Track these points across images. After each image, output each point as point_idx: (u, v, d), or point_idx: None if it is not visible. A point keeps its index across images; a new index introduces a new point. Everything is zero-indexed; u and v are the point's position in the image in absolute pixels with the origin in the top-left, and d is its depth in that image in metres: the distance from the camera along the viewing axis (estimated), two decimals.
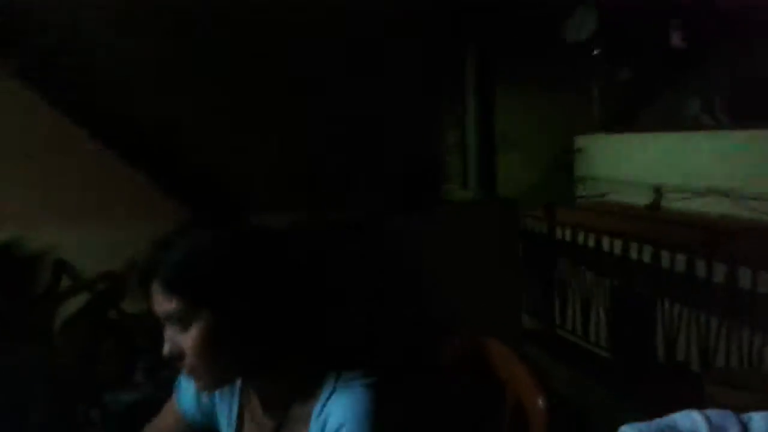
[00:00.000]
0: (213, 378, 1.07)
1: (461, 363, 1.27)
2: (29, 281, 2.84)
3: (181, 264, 1.02)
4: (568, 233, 4.17)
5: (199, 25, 3.26)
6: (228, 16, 3.24)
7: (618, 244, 3.77)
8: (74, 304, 2.80)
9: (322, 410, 1.04)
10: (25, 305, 2.74)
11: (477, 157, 4.29)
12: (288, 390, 1.10)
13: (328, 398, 1.05)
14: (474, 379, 1.22)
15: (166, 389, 2.11)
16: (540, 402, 1.02)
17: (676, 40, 5.09)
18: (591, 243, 3.96)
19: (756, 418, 0.91)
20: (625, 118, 5.50)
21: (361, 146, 3.80)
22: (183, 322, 1.02)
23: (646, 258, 3.55)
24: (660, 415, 0.96)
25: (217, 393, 1.22)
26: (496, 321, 3.20)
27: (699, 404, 0.95)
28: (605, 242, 3.88)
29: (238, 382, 1.19)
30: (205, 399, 1.25)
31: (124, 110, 3.31)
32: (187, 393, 1.26)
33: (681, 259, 3.35)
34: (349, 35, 3.58)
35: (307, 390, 1.08)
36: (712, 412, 0.91)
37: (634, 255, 3.64)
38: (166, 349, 1.04)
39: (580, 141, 5.49)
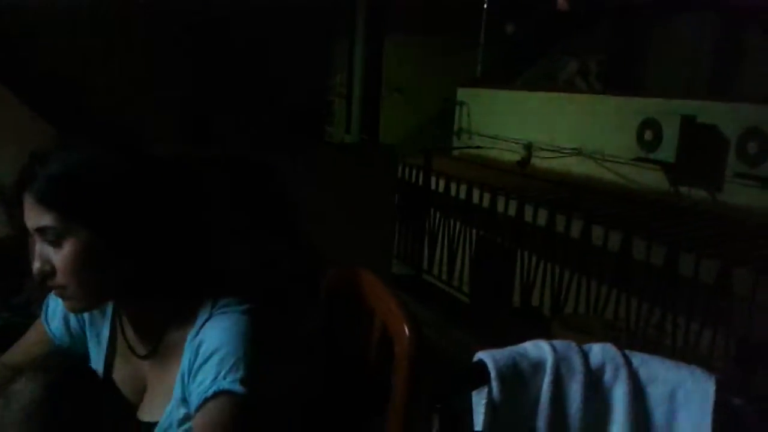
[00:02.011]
0: (84, 298, 1.04)
1: (334, 291, 1.32)
2: None
3: (59, 177, 0.98)
4: (441, 183, 4.31)
5: None
6: None
7: (487, 197, 3.94)
8: None
9: (196, 335, 1.04)
10: None
11: (361, 102, 4.34)
12: (162, 315, 1.09)
13: (203, 324, 1.04)
14: (345, 306, 1.27)
15: (21, 315, 2.03)
16: (406, 330, 1.09)
17: (561, 2, 5.29)
18: (462, 194, 4.12)
19: (595, 349, 1.03)
20: (505, 75, 5.69)
21: (247, 84, 3.74)
22: (56, 238, 0.99)
23: (512, 211, 3.74)
24: None
25: (87, 316, 1.19)
26: (368, 263, 3.29)
27: None
28: (475, 194, 4.05)
29: (110, 306, 1.16)
30: (74, 322, 1.21)
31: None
32: (55, 315, 1.22)
33: (543, 213, 3.56)
34: None
35: (182, 316, 1.07)
36: (558, 343, 1.02)
37: (500, 207, 3.82)
38: (36, 266, 1.01)
39: (461, 93, 5.63)
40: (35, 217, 0.99)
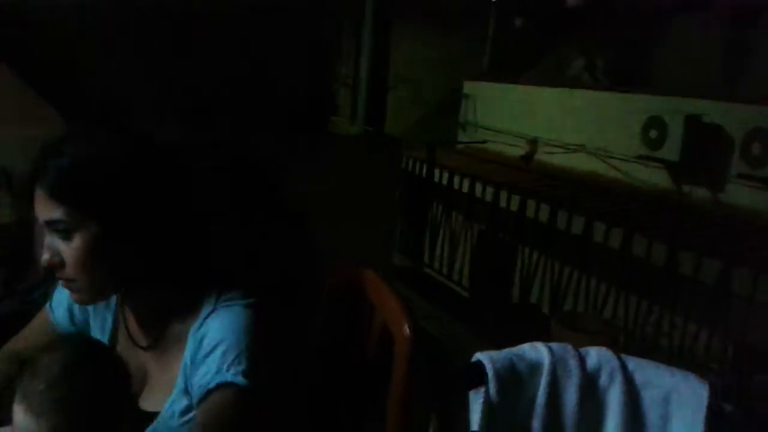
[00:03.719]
0: (92, 290, 1.06)
1: (338, 287, 1.33)
2: None
3: (70, 171, 0.99)
4: (445, 176, 4.31)
5: None
6: None
7: (489, 191, 3.95)
8: None
9: (200, 328, 1.06)
10: None
11: (367, 92, 4.33)
12: (166, 307, 1.10)
13: (207, 316, 1.06)
14: (348, 303, 1.29)
15: (27, 303, 2.06)
16: (406, 328, 1.10)
17: None
18: (465, 188, 4.13)
19: (591, 353, 1.04)
20: (512, 69, 5.68)
21: (251, 72, 3.74)
22: (66, 231, 1.00)
23: (514, 206, 3.75)
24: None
25: (91, 307, 1.21)
26: (369, 255, 3.31)
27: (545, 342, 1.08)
28: (478, 188, 4.06)
29: (114, 297, 1.18)
30: (78, 312, 1.23)
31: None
32: (60, 305, 1.24)
33: (545, 209, 3.56)
34: None
35: (186, 308, 1.09)
36: (555, 345, 1.04)
37: (503, 203, 3.83)
38: (46, 257, 1.02)
39: (468, 86, 5.62)
40: (46, 210, 1.00)
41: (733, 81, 4.77)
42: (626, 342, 3.03)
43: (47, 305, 1.27)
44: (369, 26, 4.22)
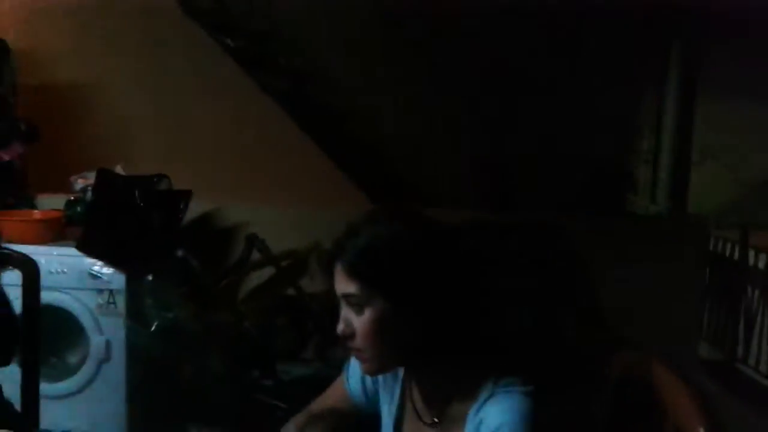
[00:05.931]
0: (377, 362, 1.14)
1: (624, 379, 1.24)
2: (224, 251, 3.12)
3: (365, 251, 1.10)
4: (763, 259, 3.83)
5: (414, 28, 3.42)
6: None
7: None
8: (257, 277, 3.05)
9: (479, 411, 1.08)
10: (218, 273, 3.00)
11: (670, 169, 4.08)
12: (447, 386, 1.15)
13: (486, 400, 1.09)
14: (635, 398, 1.19)
15: (334, 367, 2.25)
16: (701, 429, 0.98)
17: None
18: None
19: None
20: None
21: (548, 147, 3.75)
22: (359, 305, 1.10)
23: None
24: None
25: (381, 378, 1.28)
26: (670, 344, 3.06)
27: None
28: None
29: (401, 372, 1.24)
30: (369, 382, 1.31)
31: (328, 101, 3.54)
32: (354, 374, 1.33)
33: None
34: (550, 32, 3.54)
35: (466, 389, 1.12)
36: None
37: None
38: (340, 327, 1.13)
39: None
40: (343, 284, 1.12)
41: None
42: None
43: (343, 373, 1.37)
44: (672, 98, 4.02)
